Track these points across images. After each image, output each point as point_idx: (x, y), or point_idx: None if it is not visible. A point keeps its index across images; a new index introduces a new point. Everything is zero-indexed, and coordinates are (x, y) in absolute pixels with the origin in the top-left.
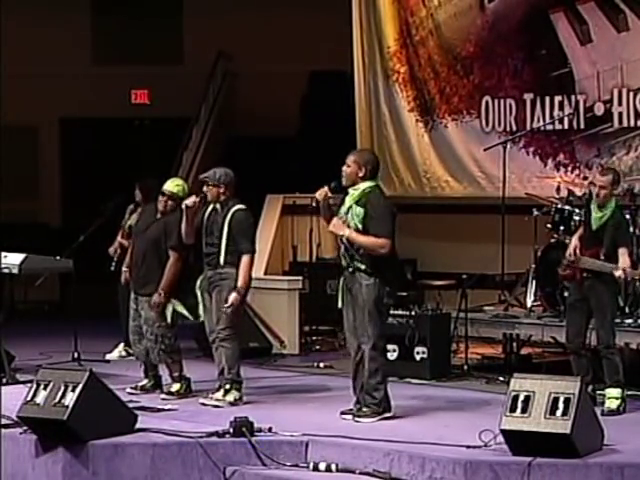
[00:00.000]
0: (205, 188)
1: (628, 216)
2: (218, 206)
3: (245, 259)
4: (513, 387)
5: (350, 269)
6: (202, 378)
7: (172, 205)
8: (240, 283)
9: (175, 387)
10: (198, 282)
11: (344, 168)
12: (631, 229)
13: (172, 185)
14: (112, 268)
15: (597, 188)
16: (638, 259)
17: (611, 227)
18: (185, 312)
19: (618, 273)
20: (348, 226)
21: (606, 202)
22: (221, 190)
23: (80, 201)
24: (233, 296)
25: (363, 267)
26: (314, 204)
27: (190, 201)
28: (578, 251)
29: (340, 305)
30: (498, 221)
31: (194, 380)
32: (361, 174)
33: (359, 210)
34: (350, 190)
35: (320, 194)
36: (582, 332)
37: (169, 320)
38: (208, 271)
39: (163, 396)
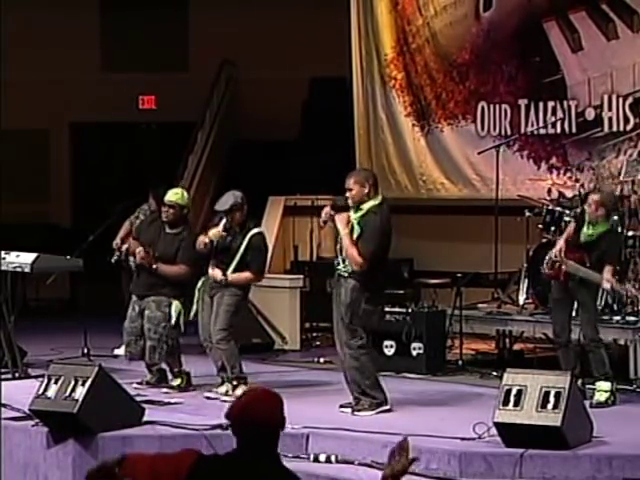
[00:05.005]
0: (227, 216)
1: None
2: (237, 228)
3: (248, 274)
4: (506, 381)
5: (338, 271)
6: (205, 373)
7: (174, 213)
8: (231, 276)
9: (176, 382)
10: (200, 283)
11: (347, 194)
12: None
13: (172, 194)
14: (115, 258)
15: (591, 204)
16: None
17: (604, 245)
18: (181, 317)
19: (606, 286)
20: (351, 232)
21: (597, 221)
22: (244, 211)
23: (89, 202)
24: (215, 271)
25: (348, 271)
26: (322, 224)
27: (217, 235)
28: (563, 254)
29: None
30: (492, 222)
31: (197, 375)
32: (366, 191)
33: (358, 229)
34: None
35: (326, 214)
36: (567, 326)
37: (174, 320)
38: None
39: (165, 390)
